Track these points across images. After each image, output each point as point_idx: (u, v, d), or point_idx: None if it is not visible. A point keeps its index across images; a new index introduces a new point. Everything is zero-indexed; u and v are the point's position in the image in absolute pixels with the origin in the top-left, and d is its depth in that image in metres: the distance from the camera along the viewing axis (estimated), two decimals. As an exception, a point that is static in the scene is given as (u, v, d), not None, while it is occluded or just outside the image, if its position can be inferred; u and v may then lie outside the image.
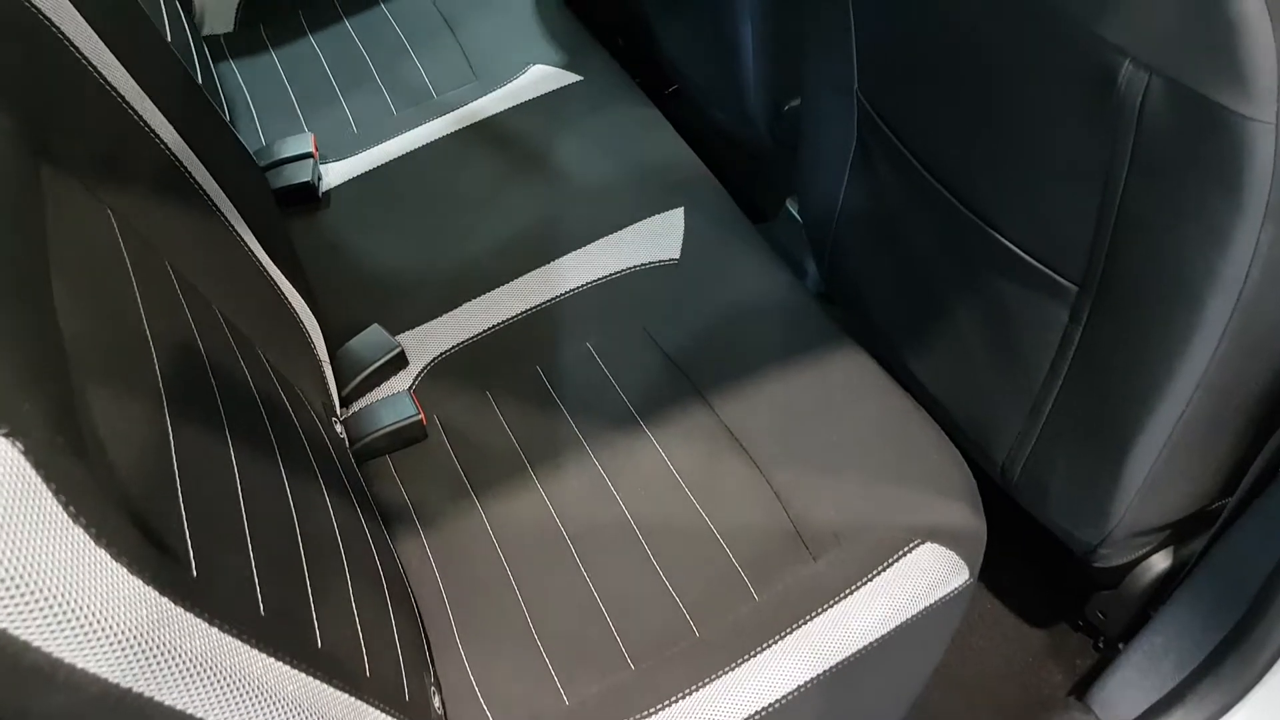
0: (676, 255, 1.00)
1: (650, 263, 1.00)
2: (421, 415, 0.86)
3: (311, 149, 1.13)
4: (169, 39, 1.10)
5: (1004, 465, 0.89)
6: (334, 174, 1.14)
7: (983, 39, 0.69)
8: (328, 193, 1.12)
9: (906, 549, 0.74)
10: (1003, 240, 0.77)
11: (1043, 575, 1.12)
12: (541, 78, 1.21)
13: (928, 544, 0.75)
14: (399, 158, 1.14)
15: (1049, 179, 0.70)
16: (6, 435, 0.31)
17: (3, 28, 0.54)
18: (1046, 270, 0.74)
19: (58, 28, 0.59)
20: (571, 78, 1.22)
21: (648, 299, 0.97)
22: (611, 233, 1.03)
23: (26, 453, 0.31)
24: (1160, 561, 0.93)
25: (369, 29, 1.32)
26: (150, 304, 0.57)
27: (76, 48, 0.60)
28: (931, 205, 0.84)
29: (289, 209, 1.10)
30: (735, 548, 0.76)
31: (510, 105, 1.18)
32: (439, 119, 1.18)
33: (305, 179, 1.09)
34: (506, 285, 0.99)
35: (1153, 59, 0.56)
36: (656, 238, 1.02)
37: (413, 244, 1.05)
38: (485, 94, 1.20)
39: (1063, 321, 0.75)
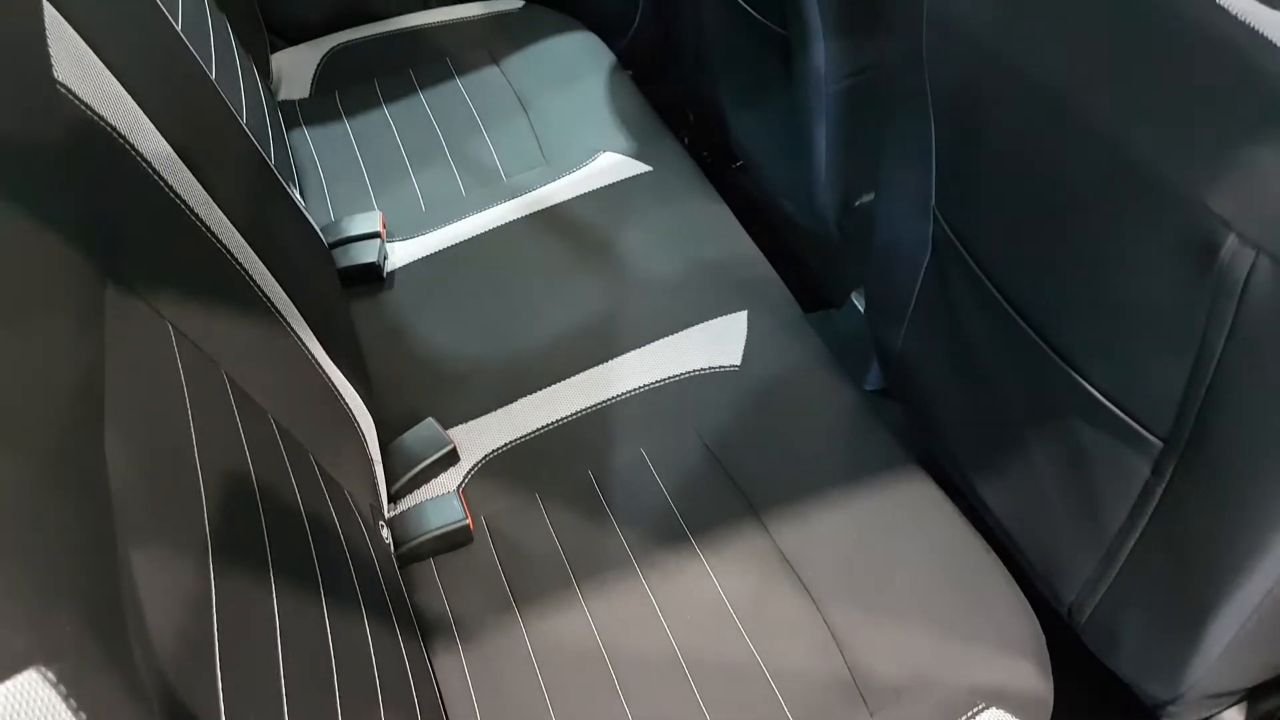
0: (738, 362, 0.98)
1: (710, 368, 0.98)
2: (469, 520, 0.85)
3: (379, 228, 1.13)
4: (244, 103, 1.11)
5: (1071, 607, 0.85)
6: (400, 254, 1.14)
7: (1072, 181, 0.66)
8: (392, 273, 1.12)
9: (970, 714, 0.71)
10: (1082, 382, 0.73)
11: (1102, 704, 1.07)
12: (611, 165, 1.21)
13: (993, 710, 0.71)
14: (465, 241, 1.14)
15: (1137, 331, 0.66)
16: (39, 665, 0.29)
17: (74, 143, 0.54)
18: (1129, 420, 0.70)
19: (127, 139, 0.59)
20: (641, 167, 1.21)
21: (706, 406, 0.94)
22: (673, 333, 1.01)
23: (58, 681, 0.30)
24: (1233, 717, 0.87)
25: (443, 103, 1.33)
26: (203, 429, 0.56)
27: (147, 160, 0.60)
28: (1007, 333, 0.81)
29: (353, 288, 1.10)
30: (787, 692, 0.72)
31: (579, 193, 1.18)
32: (507, 203, 1.18)
33: (371, 260, 1.09)
34: (563, 382, 0.98)
35: (1261, 239, 0.53)
36: (718, 342, 1.00)
37: (473, 332, 1.04)
38: (555, 179, 1.20)
39: (1144, 474, 0.71)
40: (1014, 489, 0.88)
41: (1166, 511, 0.71)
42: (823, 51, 1.02)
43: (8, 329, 0.42)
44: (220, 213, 0.68)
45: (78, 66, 0.55)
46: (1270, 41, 0.48)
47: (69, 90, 0.54)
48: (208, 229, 0.66)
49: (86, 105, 0.55)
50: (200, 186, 0.66)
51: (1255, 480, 0.62)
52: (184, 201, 0.63)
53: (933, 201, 0.86)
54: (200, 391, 0.58)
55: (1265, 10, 0.49)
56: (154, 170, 0.61)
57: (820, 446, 0.90)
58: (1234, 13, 0.49)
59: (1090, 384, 0.72)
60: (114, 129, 0.57)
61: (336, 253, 1.11)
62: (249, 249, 0.71)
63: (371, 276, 1.10)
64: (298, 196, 1.11)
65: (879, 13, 1.02)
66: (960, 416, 0.95)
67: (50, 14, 0.55)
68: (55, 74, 0.53)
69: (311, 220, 1.04)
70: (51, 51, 0.53)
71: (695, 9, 1.36)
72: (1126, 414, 0.70)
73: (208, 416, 0.57)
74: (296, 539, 0.59)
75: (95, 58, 0.57)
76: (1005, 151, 0.72)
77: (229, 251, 0.68)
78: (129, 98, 0.59)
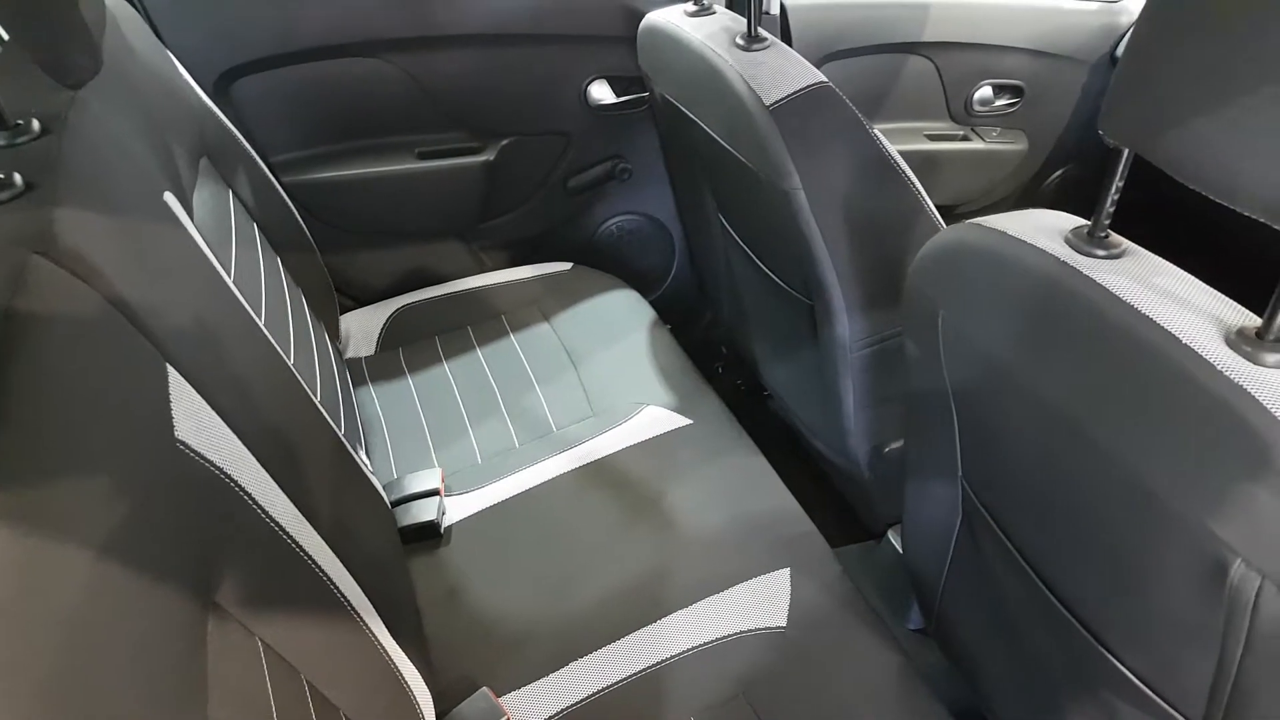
0: (783, 623, 1.01)
1: (756, 629, 1.01)
2: (524, 801, 0.87)
3: (438, 484, 1.20)
4: (318, 375, 1.21)
5: None
6: (457, 509, 1.20)
7: (1088, 490, 0.71)
8: (450, 528, 1.18)
9: None
10: (1115, 662, 0.76)
11: None
12: (654, 419, 1.29)
13: None
14: (519, 495, 1.20)
15: (1162, 628, 0.69)
16: None
17: (188, 489, 0.61)
18: (1163, 704, 0.72)
19: (235, 480, 0.67)
20: (682, 421, 1.28)
21: (753, 670, 0.97)
22: (718, 591, 1.05)
23: None
24: None
25: (499, 359, 1.43)
26: (289, 747, 0.61)
27: (251, 496, 0.68)
28: (1041, 604, 0.84)
29: (412, 544, 1.16)
30: None
31: (624, 445, 1.25)
32: (558, 456, 1.25)
33: (430, 518, 1.16)
34: (613, 645, 1.01)
35: (1264, 565, 0.57)
36: (763, 601, 1.03)
37: (526, 591, 1.09)
38: (601, 432, 1.28)
39: (1186, 758, 0.73)
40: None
41: (1208, 792, 0.71)
42: (846, 323, 1.10)
43: (126, 672, 0.48)
44: (308, 525, 0.75)
45: (196, 424, 0.64)
46: (1255, 398, 0.54)
47: (187, 446, 0.62)
48: (297, 545, 0.72)
49: (202, 457, 0.63)
50: (292, 505, 0.74)
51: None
52: (280, 526, 0.70)
53: (959, 472, 0.91)
54: (284, 704, 0.63)
55: (1251, 367, 0.56)
56: (256, 503, 0.68)
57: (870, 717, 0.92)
58: (1225, 372, 0.56)
59: (1123, 665, 0.75)
60: (222, 471, 0.65)
61: (398, 511, 1.18)
62: (330, 553, 0.78)
63: (430, 534, 1.17)
64: (364, 457, 1.19)
65: (897, 293, 1.11)
66: (1002, 677, 0.96)
67: (174, 377, 0.64)
68: (176, 434, 0.62)
69: (378, 485, 1.12)
70: (174, 413, 0.62)
71: (728, 268, 1.47)
72: (1160, 697, 0.72)
73: (291, 732, 0.62)
74: None
75: (211, 411, 0.66)
76: (1025, 446, 0.78)
77: (314, 561, 0.75)
78: (236, 440, 0.68)
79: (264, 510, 0.69)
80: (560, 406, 1.34)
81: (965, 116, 1.77)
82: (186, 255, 0.81)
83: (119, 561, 0.51)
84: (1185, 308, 0.61)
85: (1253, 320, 0.59)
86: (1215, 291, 0.63)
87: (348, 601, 0.78)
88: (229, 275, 0.92)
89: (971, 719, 1.08)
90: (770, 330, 1.40)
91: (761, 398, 1.85)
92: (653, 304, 1.59)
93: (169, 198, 0.86)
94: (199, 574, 0.59)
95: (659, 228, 1.78)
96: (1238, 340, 0.58)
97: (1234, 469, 0.56)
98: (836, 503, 1.55)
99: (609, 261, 1.78)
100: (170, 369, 0.64)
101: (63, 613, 0.46)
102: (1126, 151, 0.64)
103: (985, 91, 1.75)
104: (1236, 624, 0.60)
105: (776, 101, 1.00)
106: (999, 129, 1.80)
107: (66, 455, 0.51)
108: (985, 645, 0.98)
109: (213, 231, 1.03)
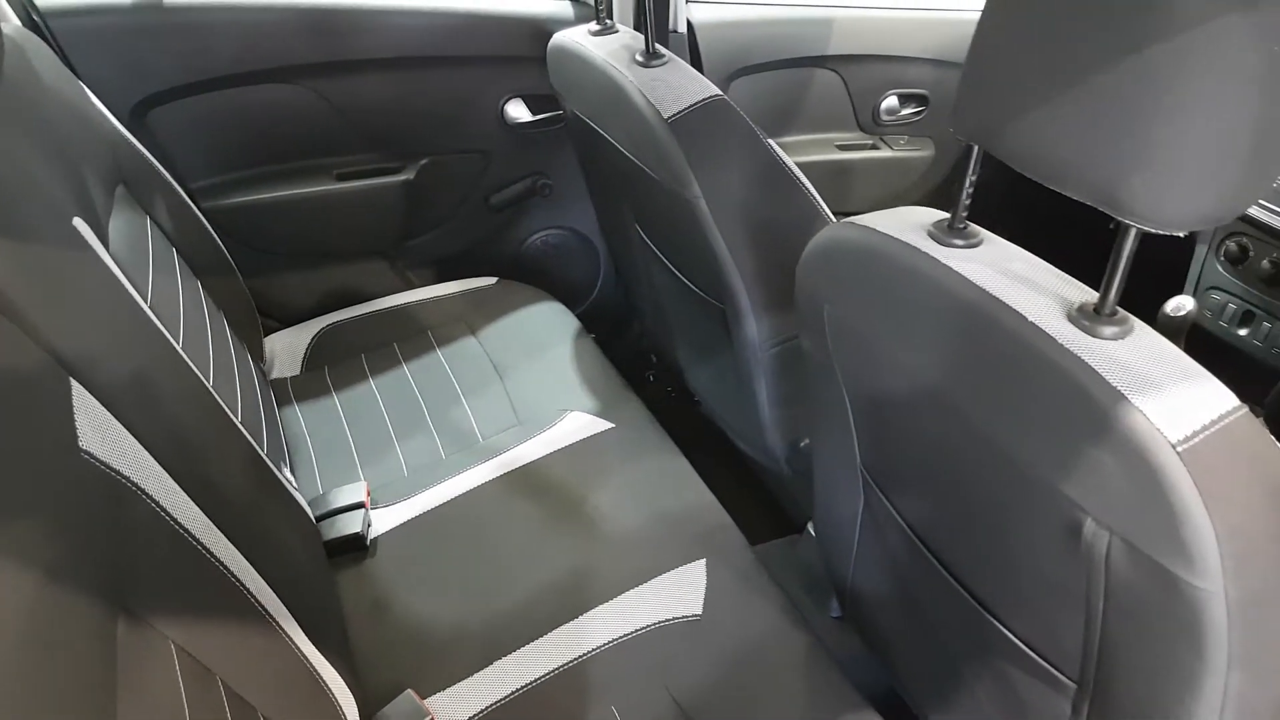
0: (699, 611, 1.05)
1: (673, 619, 1.04)
2: (449, 796, 0.89)
3: (364, 498, 1.22)
4: (239, 395, 1.22)
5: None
6: (383, 521, 1.22)
7: (961, 461, 0.76)
8: (376, 540, 1.20)
9: None
10: (1003, 629, 0.81)
11: None
12: (577, 425, 1.32)
13: None
14: (444, 504, 1.23)
15: (1036, 591, 0.74)
16: None
17: (95, 499, 0.63)
18: (1046, 665, 0.77)
19: (141, 487, 0.68)
20: (604, 425, 1.32)
21: (671, 658, 1.00)
22: (638, 585, 1.08)
23: None
24: None
25: (425, 374, 1.46)
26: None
27: (158, 502, 0.70)
28: (936, 582, 0.88)
29: (339, 557, 1.17)
30: None
31: (549, 451, 1.28)
32: (484, 464, 1.28)
33: (355, 530, 1.17)
34: (537, 642, 1.04)
35: (1110, 522, 0.62)
36: (680, 592, 1.07)
37: (451, 596, 1.11)
38: (527, 439, 1.31)
39: (1066, 714, 0.77)
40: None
41: (1087, 746, 0.76)
42: (754, 325, 1.15)
43: (29, 677, 0.49)
44: (219, 532, 0.77)
45: (100, 434, 0.65)
46: (1093, 368, 0.59)
47: (92, 455, 0.64)
48: (208, 551, 0.74)
49: (107, 465, 0.65)
50: (202, 513, 0.75)
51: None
52: (189, 532, 0.72)
53: (858, 460, 0.96)
54: (198, 705, 0.65)
55: (1089, 340, 0.61)
56: (164, 510, 0.70)
57: (782, 696, 0.95)
58: (1067, 345, 0.61)
59: (1010, 631, 0.80)
60: (128, 480, 0.67)
61: (324, 525, 1.19)
62: (244, 560, 0.80)
63: (356, 546, 1.18)
64: (288, 474, 1.21)
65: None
66: (911, 657, 1.01)
67: (78, 391, 0.66)
68: (80, 444, 0.63)
69: (301, 500, 1.13)
70: (78, 424, 0.64)
71: (648, 277, 1.52)
72: (1043, 659, 0.77)
73: (205, 728, 0.64)
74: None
75: (116, 422, 0.68)
76: (910, 429, 0.82)
77: (226, 567, 0.77)
78: (144, 451, 0.70)
79: (173, 518, 0.71)
80: (486, 417, 1.37)
81: (873, 126, 1.84)
82: (96, 278, 0.83)
83: (26, 567, 0.53)
84: (1032, 289, 0.67)
85: (1092, 296, 0.65)
86: (1061, 273, 0.69)
87: (263, 607, 0.80)
88: (146, 299, 0.94)
89: (889, 701, 1.13)
90: (690, 335, 1.44)
91: (691, 402, 1.89)
92: (581, 315, 1.62)
93: (79, 223, 0.87)
94: (109, 579, 0.61)
95: (583, 241, 1.82)
96: (1078, 316, 0.63)
97: (1079, 435, 0.61)
98: (765, 500, 1.60)
99: (536, 276, 1.81)
100: (74, 383, 0.66)
101: None
102: (976, 148, 0.69)
103: (891, 101, 1.82)
104: (1095, 580, 0.65)
105: (674, 115, 1.04)
106: (906, 137, 1.87)
107: None
108: (894, 627, 1.02)
109: (130, 257, 1.05)
